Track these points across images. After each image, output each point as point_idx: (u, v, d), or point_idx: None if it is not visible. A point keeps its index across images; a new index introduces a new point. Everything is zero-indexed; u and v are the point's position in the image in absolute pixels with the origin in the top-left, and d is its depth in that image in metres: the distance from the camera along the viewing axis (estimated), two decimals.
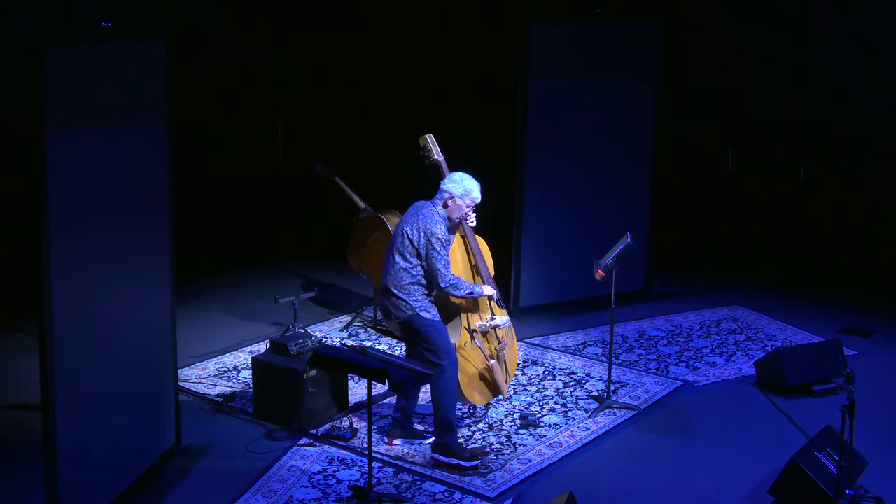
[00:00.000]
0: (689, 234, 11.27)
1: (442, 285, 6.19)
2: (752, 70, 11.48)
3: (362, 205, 8.62)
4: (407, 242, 6.16)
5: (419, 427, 6.66)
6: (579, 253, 8.69)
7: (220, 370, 7.73)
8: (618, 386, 7.48)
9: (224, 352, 8.08)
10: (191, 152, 9.73)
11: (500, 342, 6.74)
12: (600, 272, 6.97)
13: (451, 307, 6.53)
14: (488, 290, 6.49)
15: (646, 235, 9.25)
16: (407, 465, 6.27)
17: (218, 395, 7.20)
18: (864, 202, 10.94)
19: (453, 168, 6.60)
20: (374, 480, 6.01)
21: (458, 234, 6.54)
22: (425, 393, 6.79)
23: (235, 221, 11.44)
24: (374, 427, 6.62)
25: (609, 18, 8.82)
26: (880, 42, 10.68)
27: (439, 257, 6.12)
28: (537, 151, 8.70)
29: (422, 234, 6.13)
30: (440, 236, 6.13)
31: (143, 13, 9.63)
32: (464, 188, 6.22)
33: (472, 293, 6.34)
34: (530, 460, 6.39)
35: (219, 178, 11.52)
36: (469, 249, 6.64)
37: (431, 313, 6.24)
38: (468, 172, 6.34)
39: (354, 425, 6.71)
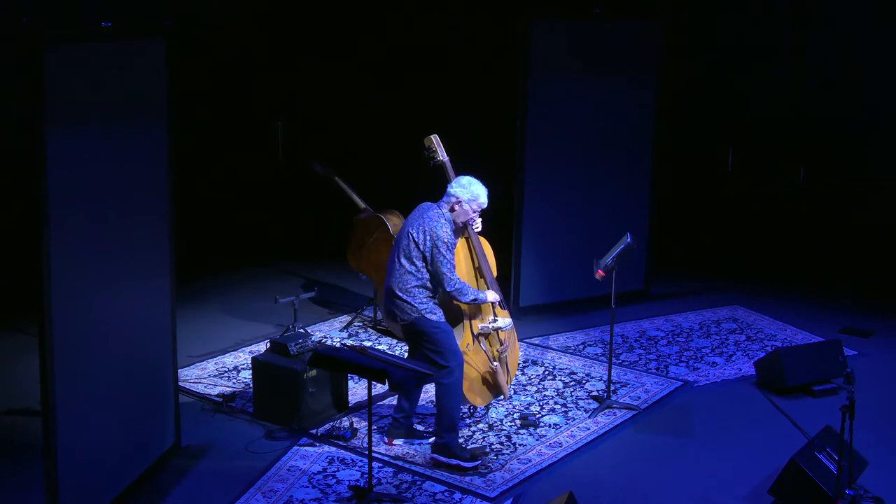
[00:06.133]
0: (690, 234, 11.28)
1: (447, 289, 6.18)
2: (752, 70, 11.48)
3: (362, 205, 8.62)
4: (412, 245, 6.15)
5: (419, 427, 6.66)
6: (579, 253, 8.69)
7: (220, 370, 7.73)
8: (618, 386, 7.48)
9: (224, 352, 8.08)
10: (190, 152, 9.72)
11: (502, 344, 6.74)
12: (600, 272, 6.97)
13: (455, 309, 6.52)
14: (492, 295, 6.48)
15: (646, 235, 9.25)
16: (407, 465, 6.27)
17: (218, 395, 7.20)
18: (864, 202, 10.94)
19: (457, 169, 6.59)
20: (374, 480, 6.01)
21: (462, 237, 6.53)
22: (426, 393, 6.79)
23: (235, 221, 11.45)
24: (374, 427, 6.62)
25: (609, 18, 8.82)
26: (881, 42, 10.69)
27: (445, 261, 6.11)
28: (537, 151, 8.70)
29: (427, 238, 6.12)
30: (446, 240, 6.12)
31: (143, 12, 9.64)
32: (472, 193, 6.21)
33: (476, 299, 6.32)
34: (530, 460, 6.39)
35: (219, 178, 11.52)
36: (473, 252, 6.63)
37: (437, 315, 6.23)
38: (470, 173, 6.33)
39: (354, 425, 6.71)
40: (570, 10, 8.86)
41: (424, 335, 6.20)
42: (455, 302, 6.46)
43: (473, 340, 6.57)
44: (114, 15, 5.46)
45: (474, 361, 6.59)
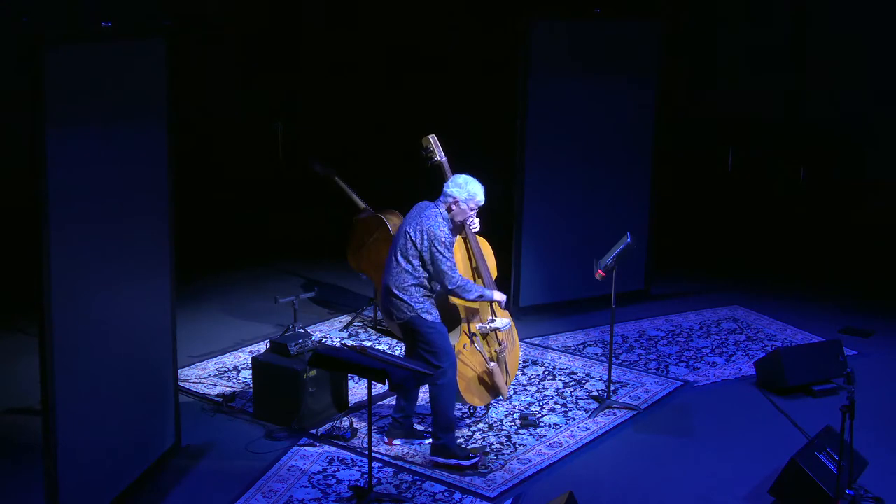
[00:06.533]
0: (690, 234, 11.28)
1: (449, 287, 6.17)
2: (752, 70, 11.48)
3: (362, 205, 8.62)
4: (409, 244, 6.15)
5: (419, 427, 6.66)
6: (579, 253, 8.69)
7: (220, 370, 7.73)
8: (618, 386, 7.48)
9: (224, 352, 8.08)
10: (191, 152, 9.73)
11: (500, 344, 6.73)
12: (600, 272, 6.97)
13: (451, 310, 6.52)
14: (499, 295, 6.46)
15: (646, 235, 9.25)
16: (407, 465, 6.27)
17: (218, 395, 7.20)
18: (864, 202, 10.95)
19: (456, 170, 6.59)
20: (374, 480, 6.01)
21: (459, 236, 6.53)
22: (425, 393, 6.78)
23: (235, 221, 11.45)
24: (374, 427, 6.62)
25: (609, 19, 8.82)
26: (880, 42, 10.69)
27: (444, 259, 6.11)
28: (537, 151, 8.70)
29: (424, 237, 6.11)
30: (443, 239, 6.11)
31: (143, 12, 9.64)
32: (468, 192, 6.21)
33: (482, 296, 6.30)
34: (530, 460, 6.38)
35: (219, 178, 11.52)
36: (470, 252, 6.63)
37: (433, 315, 6.23)
38: (469, 173, 6.33)
39: (354, 425, 6.71)
40: (570, 10, 8.86)
41: (419, 335, 6.21)
42: (456, 301, 6.46)
43: (470, 341, 6.57)
44: (114, 15, 5.46)
45: (471, 361, 6.58)
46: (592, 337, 8.53)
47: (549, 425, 6.86)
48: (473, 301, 6.34)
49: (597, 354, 8.13)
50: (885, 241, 10.64)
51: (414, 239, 6.14)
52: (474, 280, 6.61)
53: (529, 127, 8.62)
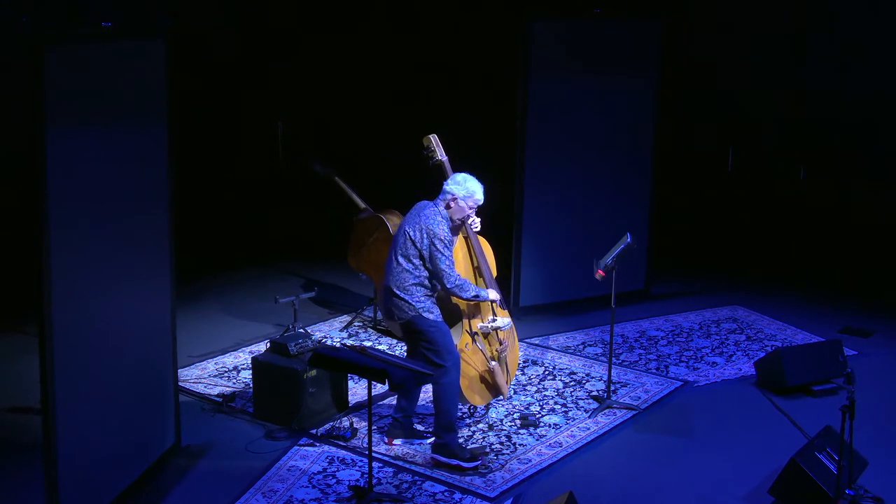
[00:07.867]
0: (690, 234, 11.28)
1: (448, 286, 6.18)
2: (752, 70, 11.48)
3: (362, 205, 8.62)
4: (409, 243, 6.15)
5: (419, 427, 6.66)
6: (579, 253, 8.69)
7: (220, 370, 7.73)
8: (618, 386, 7.48)
9: (224, 352, 8.08)
10: (191, 152, 9.73)
11: (501, 344, 6.74)
12: (600, 272, 6.97)
13: (453, 309, 6.52)
14: (493, 294, 6.47)
15: (646, 235, 9.25)
16: (407, 465, 6.27)
17: (218, 395, 7.20)
18: (864, 202, 10.94)
19: (456, 169, 6.60)
20: (374, 480, 6.01)
21: (460, 236, 6.53)
22: (425, 393, 6.79)
23: (235, 221, 11.45)
24: (374, 427, 6.62)
25: (609, 18, 8.83)
26: (882, 42, 10.69)
27: (443, 258, 6.11)
28: (537, 151, 8.70)
29: (424, 235, 6.12)
30: (443, 237, 6.12)
31: (143, 12, 9.63)
32: (467, 190, 6.21)
33: (477, 296, 6.31)
34: (530, 460, 6.39)
35: (219, 178, 11.52)
36: (472, 251, 6.64)
37: (434, 314, 6.23)
38: (470, 173, 6.33)
39: (354, 425, 6.71)
40: (570, 10, 8.86)
41: (421, 334, 6.21)
42: (454, 300, 6.47)
43: (472, 340, 6.57)
44: (114, 15, 5.46)
45: (472, 361, 6.59)
46: (592, 337, 8.53)
47: (549, 425, 6.86)
48: (469, 300, 6.35)
49: (597, 354, 8.13)
50: (886, 241, 10.63)
51: (413, 238, 6.14)
52: (475, 279, 6.62)
53: (529, 127, 8.62)
